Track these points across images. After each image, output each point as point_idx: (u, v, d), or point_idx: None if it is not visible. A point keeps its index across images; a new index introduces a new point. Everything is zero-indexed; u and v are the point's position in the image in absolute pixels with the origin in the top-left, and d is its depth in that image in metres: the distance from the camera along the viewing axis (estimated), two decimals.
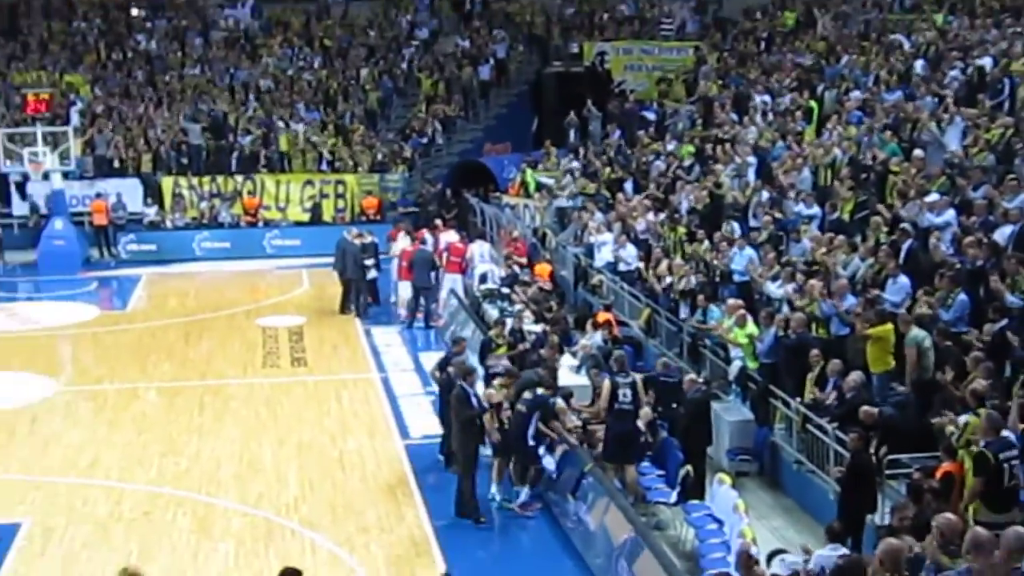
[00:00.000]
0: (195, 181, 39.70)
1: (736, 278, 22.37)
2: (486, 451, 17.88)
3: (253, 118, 42.39)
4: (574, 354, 21.51)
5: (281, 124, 41.94)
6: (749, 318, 19.76)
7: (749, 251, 22.43)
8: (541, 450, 17.49)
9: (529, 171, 36.43)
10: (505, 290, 26.61)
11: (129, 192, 39.26)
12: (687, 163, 30.65)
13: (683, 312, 22.76)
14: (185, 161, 40.53)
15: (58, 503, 18.02)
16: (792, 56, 36.39)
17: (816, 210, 23.01)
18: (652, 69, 43.52)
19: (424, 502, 17.87)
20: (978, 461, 12.65)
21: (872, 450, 15.15)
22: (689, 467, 16.61)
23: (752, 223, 24.44)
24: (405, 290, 28.80)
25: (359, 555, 16.12)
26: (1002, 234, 18.07)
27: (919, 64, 28.76)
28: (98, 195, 38.41)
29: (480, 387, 18.52)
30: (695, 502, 16.33)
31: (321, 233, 36.43)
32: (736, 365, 19.88)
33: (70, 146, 37.34)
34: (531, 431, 17.20)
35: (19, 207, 39.32)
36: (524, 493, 17.47)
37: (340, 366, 25.69)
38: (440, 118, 43.34)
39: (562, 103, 41.65)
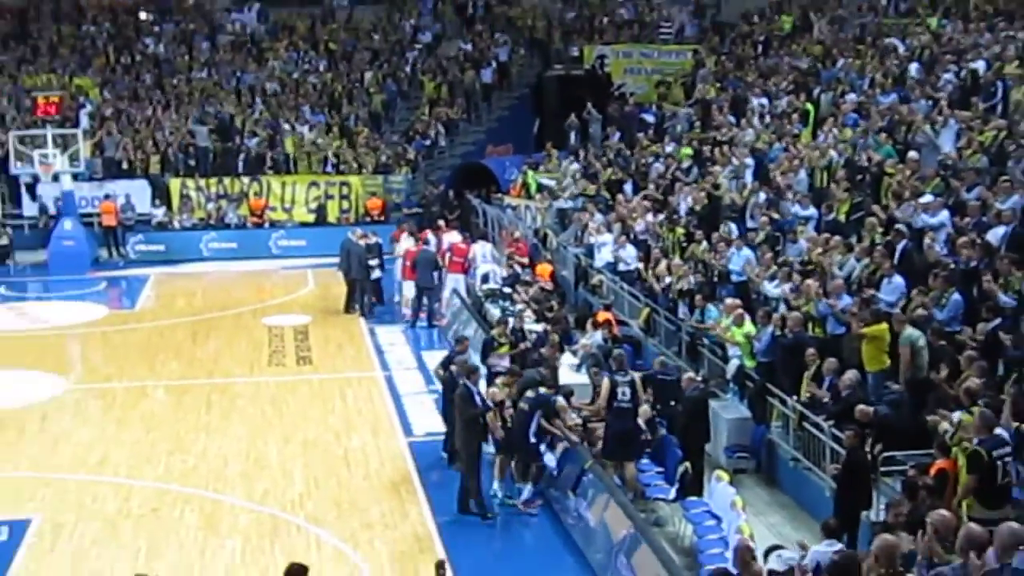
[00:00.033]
0: (202, 183, 39.71)
1: (734, 278, 22.36)
2: (488, 448, 17.88)
3: (259, 121, 42.41)
4: (574, 353, 21.54)
5: (287, 126, 41.98)
6: (747, 317, 19.76)
7: (746, 251, 22.43)
8: (542, 447, 17.50)
9: (530, 173, 36.44)
10: (507, 290, 26.64)
11: (137, 193, 39.24)
12: (685, 165, 30.63)
13: (682, 311, 22.76)
14: (192, 163, 40.51)
15: (68, 500, 18.02)
16: (789, 60, 36.34)
17: (812, 211, 23.01)
18: (651, 72, 43.52)
19: (427, 499, 17.86)
20: (972, 459, 12.64)
21: (867, 447, 15.14)
22: (688, 464, 16.60)
23: (749, 224, 24.44)
24: (409, 290, 28.81)
25: (363, 551, 16.11)
26: (995, 235, 18.05)
27: (913, 67, 28.74)
28: (107, 196, 38.42)
29: (483, 385, 18.51)
30: (693, 499, 16.33)
31: (326, 234, 36.50)
32: (734, 364, 19.87)
33: (79, 148, 37.37)
34: (533, 429, 17.20)
35: (29, 208, 39.32)
36: (527, 490, 17.47)
37: (345, 365, 25.69)
38: (443, 120, 43.37)
39: (563, 106, 41.63)
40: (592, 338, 21.62)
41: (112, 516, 17.40)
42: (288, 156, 40.89)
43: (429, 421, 21.27)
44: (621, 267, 26.42)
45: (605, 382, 17.75)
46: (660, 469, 17.31)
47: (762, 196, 24.95)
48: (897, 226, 19.66)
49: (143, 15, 49.54)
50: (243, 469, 19.28)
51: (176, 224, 38.88)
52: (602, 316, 22.56)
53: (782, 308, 19.65)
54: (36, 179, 38.23)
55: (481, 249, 29.59)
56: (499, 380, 18.60)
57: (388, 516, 17.28)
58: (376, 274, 29.81)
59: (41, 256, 36.88)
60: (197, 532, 16.70)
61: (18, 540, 16.44)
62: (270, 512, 17.45)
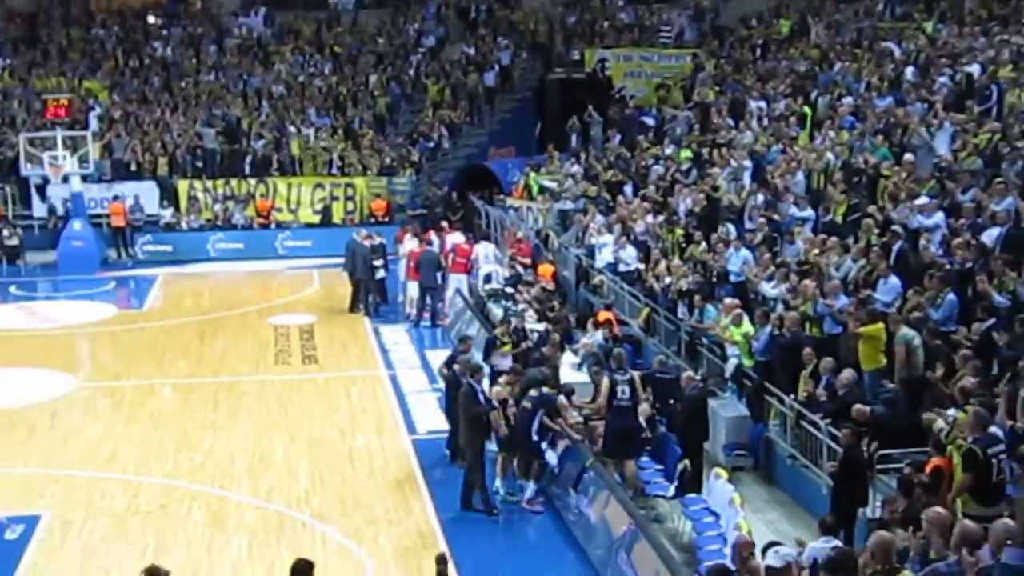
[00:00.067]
0: (210, 184, 39.73)
1: (732, 278, 22.36)
2: (491, 446, 17.87)
3: (266, 123, 42.43)
4: (576, 352, 21.55)
5: (293, 129, 41.98)
6: (745, 317, 19.77)
7: (745, 252, 22.43)
8: (544, 445, 17.50)
9: (532, 175, 36.44)
10: (509, 290, 26.64)
11: (146, 195, 39.27)
12: (685, 167, 30.63)
13: (681, 311, 22.76)
14: (200, 165, 40.55)
15: (77, 496, 18.03)
16: (787, 63, 36.34)
17: (809, 212, 23.00)
18: (651, 76, 43.51)
19: (431, 496, 17.85)
20: (967, 457, 12.64)
21: (864, 445, 15.14)
22: (687, 462, 16.60)
23: (748, 225, 24.43)
24: (413, 290, 28.80)
25: (368, 547, 16.11)
26: (990, 236, 18.04)
27: (909, 71, 28.73)
28: (116, 197, 38.45)
29: (486, 384, 18.50)
30: (692, 496, 16.32)
31: (331, 234, 36.49)
32: (732, 363, 19.87)
33: (89, 150, 37.39)
34: (535, 427, 17.19)
35: (39, 209, 39.35)
36: (530, 489, 17.45)
37: (349, 363, 25.69)
38: (446, 123, 43.38)
39: (564, 109, 41.70)
40: (593, 337, 21.62)
41: (120, 512, 17.41)
42: (294, 158, 40.89)
43: (432, 419, 21.28)
44: (621, 267, 26.42)
45: (605, 381, 17.75)
46: (660, 467, 17.31)
47: (760, 198, 24.95)
48: (893, 227, 19.66)
49: (151, 19, 49.57)
50: (249, 466, 19.28)
51: (184, 225, 38.91)
52: (603, 316, 22.56)
53: (780, 308, 19.65)
54: (46, 180, 38.24)
55: (484, 250, 29.61)
56: (502, 379, 18.61)
57: (392, 513, 17.27)
58: (380, 274, 29.81)
59: (51, 256, 36.88)
60: (204, 528, 16.71)
61: (28, 536, 16.44)
62: (276, 509, 17.45)
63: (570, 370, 20.62)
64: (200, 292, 33.46)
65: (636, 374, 17.93)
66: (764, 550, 12.05)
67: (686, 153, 31.67)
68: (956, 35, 30.63)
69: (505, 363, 20.37)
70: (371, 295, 29.74)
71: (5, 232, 37.18)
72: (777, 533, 15.36)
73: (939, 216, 19.39)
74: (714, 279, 22.96)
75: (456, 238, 30.24)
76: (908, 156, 22.61)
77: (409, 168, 41.27)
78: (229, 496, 18.02)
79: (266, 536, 16.45)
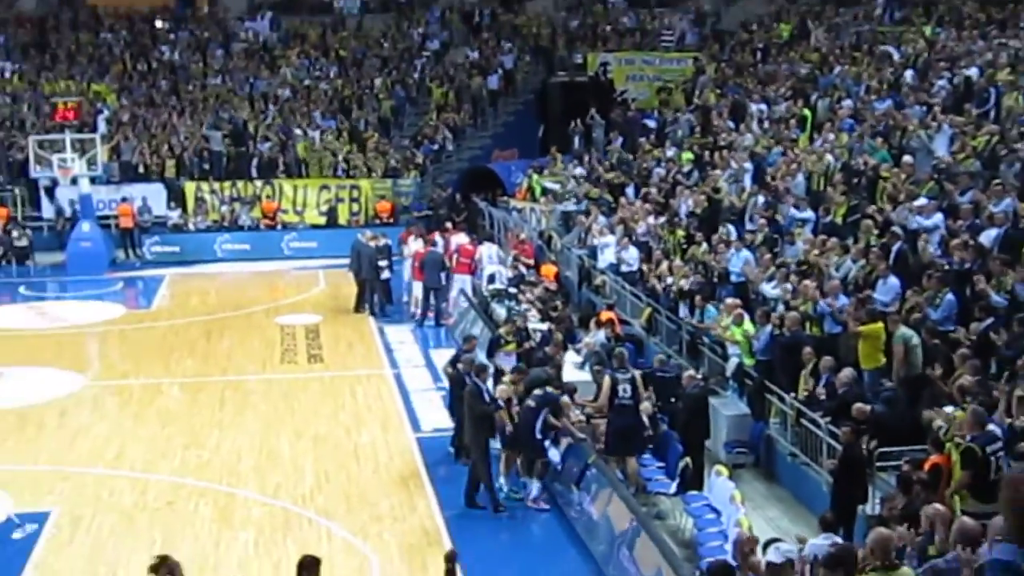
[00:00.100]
0: (216, 186, 39.73)
1: (733, 279, 22.35)
2: (495, 444, 17.87)
3: (272, 126, 42.44)
4: (578, 351, 21.55)
5: (298, 131, 41.99)
6: (746, 317, 19.76)
7: (745, 253, 22.43)
8: (546, 443, 17.49)
9: (535, 176, 36.44)
10: (512, 290, 26.62)
11: (153, 196, 39.30)
12: (686, 169, 30.62)
13: (683, 311, 22.76)
14: (207, 167, 40.54)
15: (85, 493, 18.04)
16: (787, 66, 36.35)
17: (810, 214, 22.99)
18: (653, 79, 43.51)
19: (435, 493, 17.86)
20: (966, 455, 12.65)
21: (863, 443, 15.14)
22: (688, 459, 16.61)
23: (748, 226, 24.43)
24: (418, 290, 28.82)
25: (373, 543, 16.12)
26: (988, 237, 18.04)
27: (908, 74, 28.75)
28: (124, 199, 38.47)
29: (491, 383, 18.50)
30: (694, 493, 16.33)
31: (337, 235, 36.47)
32: (733, 362, 19.87)
33: (97, 152, 37.40)
34: (539, 425, 17.19)
35: (48, 211, 39.36)
36: (535, 488, 17.44)
37: (355, 362, 25.69)
38: (450, 126, 43.38)
39: (567, 111, 41.67)
40: (595, 337, 21.62)
41: (128, 509, 17.42)
42: (300, 160, 40.90)
43: (437, 417, 21.27)
44: (623, 268, 26.42)
45: (606, 380, 17.76)
46: (661, 464, 17.32)
47: (761, 199, 24.94)
48: (892, 228, 19.66)
49: (159, 23, 49.61)
50: (256, 463, 19.29)
51: (191, 226, 38.91)
52: (605, 315, 22.55)
53: (780, 308, 19.64)
54: (55, 182, 38.25)
55: (487, 250, 29.60)
56: (506, 378, 18.58)
57: (397, 509, 17.28)
58: (386, 275, 29.82)
59: (60, 257, 36.91)
60: (211, 525, 16.72)
61: (37, 532, 16.45)
62: (282, 505, 17.47)
63: (573, 369, 20.63)
64: (207, 292, 33.46)
65: (637, 373, 17.95)
66: (765, 547, 12.07)
67: (687, 155, 31.67)
68: (954, 39, 30.66)
69: (509, 362, 20.36)
70: (376, 295, 29.75)
71: (15, 233, 37.21)
72: (777, 530, 15.36)
73: (938, 217, 19.38)
74: (715, 279, 22.96)
75: (460, 239, 30.23)
76: (907, 158, 22.62)
77: (414, 170, 41.28)
78: (236, 493, 18.03)
79: (272, 532, 16.46)
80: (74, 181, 37.25)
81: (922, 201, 19.98)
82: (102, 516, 17.08)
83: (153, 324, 29.49)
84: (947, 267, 17.75)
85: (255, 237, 38.60)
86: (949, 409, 14.30)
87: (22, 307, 32.00)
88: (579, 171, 35.32)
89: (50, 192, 39.02)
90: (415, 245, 29.73)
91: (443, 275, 28.47)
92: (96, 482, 18.50)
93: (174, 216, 39.04)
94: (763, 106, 32.59)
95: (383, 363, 25.53)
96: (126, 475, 18.82)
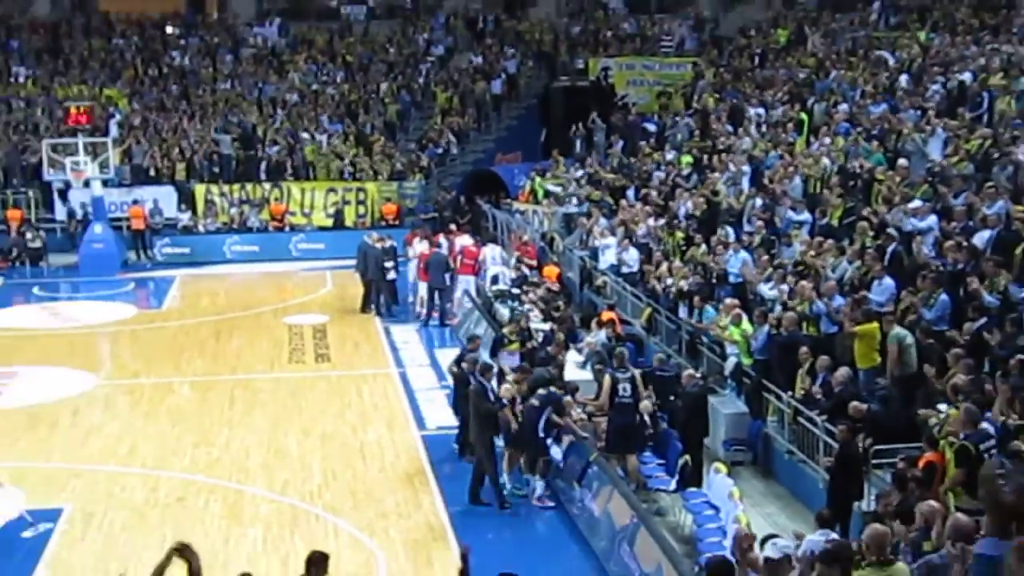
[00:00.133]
0: (226, 188, 39.76)
1: (731, 279, 22.34)
2: (498, 442, 17.86)
3: (280, 130, 42.45)
4: (580, 351, 21.55)
5: (306, 135, 42.01)
6: (744, 317, 19.76)
7: (743, 254, 22.42)
8: (549, 441, 17.49)
9: (538, 179, 36.43)
10: (515, 290, 26.62)
11: (164, 199, 39.34)
12: (685, 172, 30.60)
13: (682, 311, 22.75)
14: (216, 170, 40.59)
15: (98, 490, 18.06)
16: (784, 71, 36.31)
17: (807, 216, 22.96)
18: (653, 84, 43.56)
19: (440, 490, 17.86)
20: (960, 453, 12.63)
21: (859, 441, 15.13)
22: (687, 457, 16.59)
23: (746, 228, 24.41)
24: (424, 291, 28.81)
25: (379, 539, 16.12)
26: (981, 238, 18.02)
27: (903, 79, 28.71)
28: (135, 201, 38.48)
29: (494, 383, 18.49)
30: (693, 490, 16.32)
31: (343, 237, 36.51)
32: (731, 361, 19.86)
33: (109, 156, 37.42)
34: (541, 424, 17.19)
35: (62, 213, 39.40)
36: (540, 487, 17.42)
37: (361, 362, 25.69)
38: (455, 129, 43.37)
39: (569, 115, 41.67)
40: (597, 336, 21.61)
41: (140, 505, 17.43)
42: (307, 163, 40.90)
43: (441, 415, 21.27)
44: (624, 269, 26.41)
45: (606, 379, 17.76)
46: (661, 461, 17.31)
47: (758, 201, 24.93)
48: (887, 230, 19.64)
49: (170, 29, 49.63)
50: (264, 461, 19.30)
51: (201, 228, 38.94)
52: (606, 315, 22.55)
53: (778, 308, 19.62)
54: (68, 185, 38.30)
55: (491, 252, 29.59)
56: (510, 377, 18.55)
57: (402, 506, 17.29)
58: (391, 275, 29.81)
59: (73, 258, 36.95)
60: (221, 521, 16.72)
61: (51, 528, 16.46)
62: (290, 502, 17.47)
63: (574, 368, 20.63)
64: (217, 293, 33.47)
65: (637, 372, 17.94)
66: (762, 542, 12.06)
67: (687, 158, 31.66)
68: (948, 44, 30.61)
69: (512, 361, 20.36)
70: (382, 296, 29.75)
71: (28, 235, 37.28)
72: (775, 526, 15.34)
73: (932, 219, 19.36)
74: (714, 280, 22.94)
75: (464, 241, 30.21)
76: (902, 161, 22.60)
77: (419, 173, 41.28)
78: (245, 490, 18.04)
79: (281, 528, 16.47)
80: (87, 184, 37.29)
81: (916, 203, 19.96)
82: (114, 512, 17.10)
83: (164, 324, 29.51)
84: (941, 268, 17.74)
85: (264, 239, 38.61)
86: (943, 407, 14.30)
87: (36, 307, 32.02)
88: (581, 174, 35.32)
89: (63, 195, 39.06)
90: (420, 246, 29.72)
91: (447, 276, 28.48)
92: (108, 479, 18.52)
93: (184, 218, 39.08)
94: (761, 110, 32.58)
95: (389, 362, 25.53)
96: (137, 472, 18.84)
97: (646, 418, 17.47)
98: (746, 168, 27.59)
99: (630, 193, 31.39)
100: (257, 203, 39.44)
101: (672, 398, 18.38)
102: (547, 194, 35.28)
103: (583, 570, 15.36)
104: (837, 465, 14.78)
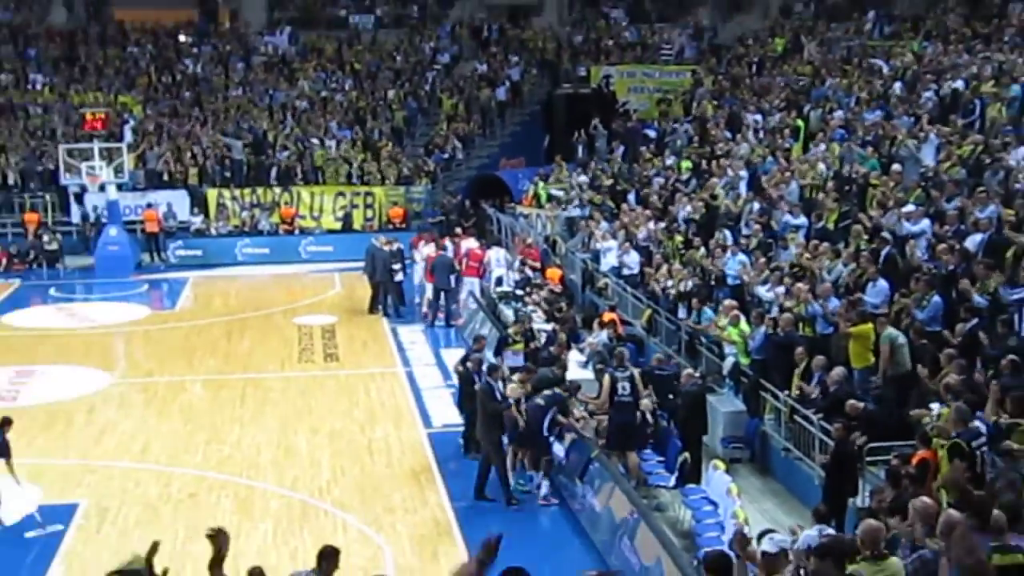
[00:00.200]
0: (237, 192, 39.76)
1: (729, 281, 22.34)
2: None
3: (290, 135, 42.45)
4: (581, 350, 21.54)
5: (315, 141, 42.02)
6: (742, 318, 19.75)
7: (741, 257, 22.41)
8: (551, 439, 17.48)
9: (541, 184, 36.44)
10: (519, 292, 26.63)
11: (177, 202, 39.37)
12: (685, 177, 30.60)
13: (681, 312, 22.74)
14: (228, 174, 40.61)
15: (112, 485, 18.06)
16: (781, 79, 36.30)
17: (803, 219, 22.96)
18: (653, 91, 43.56)
19: (445, 486, 17.85)
20: (953, 450, 12.61)
21: (854, 439, 15.12)
22: (687, 454, 16.57)
23: (744, 231, 24.38)
24: (431, 292, 28.81)
25: (386, 534, 16.12)
26: (972, 241, 18.02)
27: (897, 86, 28.71)
28: (149, 205, 38.47)
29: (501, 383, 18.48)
30: (692, 486, 16.31)
31: (352, 240, 36.49)
32: (729, 361, 19.85)
33: (124, 160, 37.47)
34: (546, 423, 17.18)
35: (78, 216, 39.38)
36: (544, 486, 17.40)
37: (369, 361, 25.68)
38: (460, 135, 43.40)
39: (571, 122, 41.66)
40: (598, 337, 21.61)
41: (153, 501, 17.43)
42: (317, 168, 40.92)
43: (447, 414, 21.26)
44: (625, 271, 26.40)
45: (606, 378, 17.73)
46: (661, 458, 17.30)
47: (756, 205, 24.91)
48: (882, 233, 19.65)
49: (183, 38, 49.63)
50: (274, 458, 19.30)
51: (213, 231, 38.95)
52: (607, 316, 22.54)
53: (774, 309, 19.61)
54: (84, 189, 38.31)
55: (495, 254, 29.59)
56: (515, 377, 18.53)
57: (409, 502, 17.28)
58: (399, 277, 29.82)
59: (88, 260, 36.97)
60: (232, 516, 16.69)
61: (67, 523, 16.47)
62: (300, 498, 17.47)
63: (576, 367, 20.63)
64: (228, 294, 33.48)
65: (636, 371, 17.91)
66: (759, 537, 12.04)
67: (686, 163, 31.63)
68: (941, 53, 30.61)
69: (516, 361, 20.35)
70: (390, 297, 29.75)
71: (45, 237, 37.30)
72: (772, 521, 15.32)
73: (925, 223, 19.37)
74: (712, 282, 22.94)
75: (470, 243, 30.22)
76: (896, 166, 22.61)
77: (425, 177, 41.30)
78: (256, 486, 18.04)
79: (290, 523, 16.46)
80: (102, 188, 37.33)
81: (910, 208, 19.95)
82: (128, 508, 17.10)
83: (177, 324, 29.51)
84: (934, 270, 17.73)
85: (274, 241, 38.61)
86: (935, 406, 14.29)
87: (52, 308, 32.04)
88: (583, 179, 35.31)
89: (79, 198, 39.06)
90: (426, 249, 29.73)
91: (453, 278, 28.47)
92: (122, 475, 18.53)
93: (197, 221, 39.10)
94: (758, 117, 32.56)
95: (396, 362, 25.52)
96: (151, 468, 18.84)
97: (647, 416, 17.46)
98: (744, 173, 27.59)
99: (631, 197, 31.39)
100: (268, 207, 39.45)
101: (671, 397, 18.37)
102: (550, 198, 35.29)
103: (585, 564, 15.27)
104: (832, 462, 14.77)
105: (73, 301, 33.49)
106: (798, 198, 24.51)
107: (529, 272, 28.32)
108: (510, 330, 22.15)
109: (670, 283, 23.82)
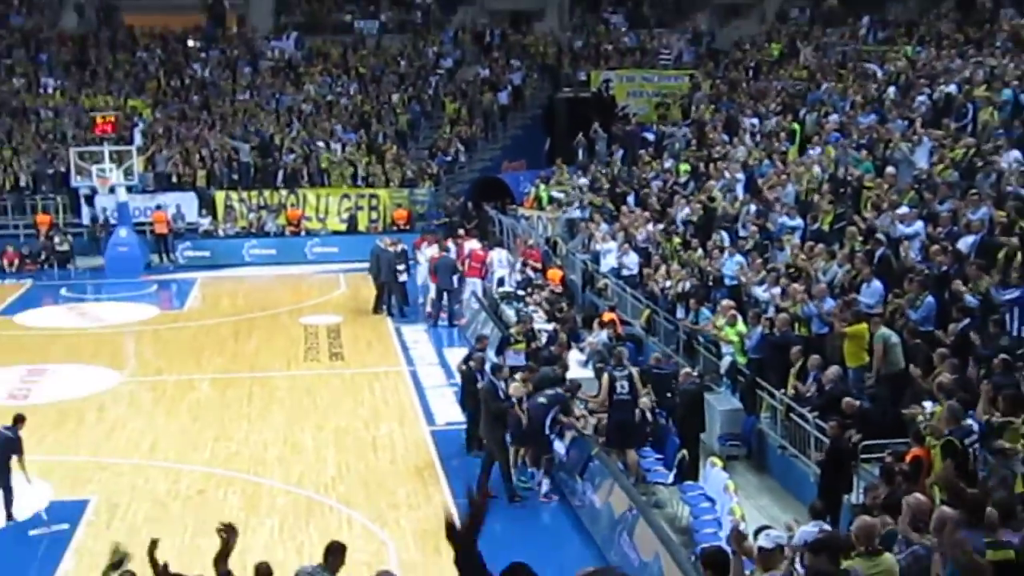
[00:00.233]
0: (244, 195, 39.78)
1: (727, 282, 22.33)
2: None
3: (296, 139, 42.46)
4: (582, 350, 21.54)
5: (321, 144, 42.03)
6: (739, 318, 19.75)
7: (738, 258, 22.40)
8: (552, 437, 17.49)
9: (542, 186, 36.42)
10: (521, 292, 26.64)
11: (186, 204, 39.40)
12: (683, 179, 30.59)
13: (680, 312, 22.72)
14: (236, 177, 40.62)
15: (122, 482, 18.08)
16: (777, 83, 36.30)
17: (799, 221, 22.95)
18: (652, 95, 43.55)
19: (448, 482, 17.85)
20: (946, 448, 12.62)
21: (849, 436, 15.12)
22: (685, 451, 16.59)
23: (741, 233, 24.37)
24: (435, 293, 28.82)
25: (390, 529, 16.14)
26: (965, 243, 18.01)
27: (891, 90, 28.69)
28: (158, 207, 38.53)
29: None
30: (690, 483, 16.31)
31: (357, 241, 36.55)
32: (727, 360, 19.84)
33: (133, 163, 37.51)
34: (548, 422, 17.18)
35: (88, 218, 39.40)
36: (546, 483, 17.41)
37: (373, 360, 25.68)
38: (463, 138, 43.39)
39: (572, 125, 41.61)
40: (598, 336, 21.60)
41: (162, 497, 17.45)
42: (322, 171, 40.94)
43: (450, 412, 21.28)
44: (624, 272, 26.39)
45: (605, 377, 17.73)
46: (659, 456, 17.30)
47: (753, 207, 24.90)
48: (876, 235, 19.64)
49: (191, 43, 49.61)
50: (281, 454, 19.31)
51: (221, 232, 38.97)
52: (607, 316, 22.53)
53: (771, 310, 19.61)
54: (94, 191, 38.33)
55: (497, 255, 29.60)
56: (518, 376, 18.53)
57: (412, 497, 17.29)
58: (403, 278, 29.82)
59: (98, 261, 37.01)
60: (239, 512, 16.67)
61: (78, 518, 16.51)
62: (305, 494, 17.49)
63: (577, 367, 20.61)
64: (236, 294, 33.49)
65: (635, 370, 17.91)
66: (756, 533, 12.05)
67: (684, 166, 31.63)
68: (934, 57, 30.57)
69: (517, 360, 20.36)
70: (394, 297, 29.76)
71: (56, 239, 37.39)
72: (768, 517, 15.32)
73: (918, 225, 19.36)
74: (710, 283, 22.94)
75: (472, 245, 30.23)
76: (890, 169, 22.60)
77: (428, 180, 41.30)
78: (262, 482, 18.06)
79: (296, 519, 16.48)
80: (112, 190, 37.39)
81: (904, 210, 19.95)
82: (137, 504, 17.13)
83: (185, 324, 29.53)
84: (927, 271, 17.71)
85: (280, 243, 38.63)
86: (928, 404, 14.29)
87: (63, 308, 32.07)
88: (583, 181, 35.30)
89: (90, 200, 39.07)
90: (430, 250, 29.75)
91: (455, 278, 28.47)
92: (132, 472, 18.55)
93: (205, 223, 39.12)
94: (755, 120, 32.56)
95: (400, 361, 25.53)
96: (160, 465, 18.87)
97: (646, 414, 17.46)
98: (741, 176, 27.59)
99: (630, 199, 31.37)
100: (274, 209, 39.47)
101: (670, 395, 18.39)
102: (551, 200, 35.28)
103: (585, 559, 15.27)
104: (827, 459, 14.77)
105: (84, 301, 33.54)
106: (794, 200, 24.50)
107: (530, 273, 28.32)
108: (512, 330, 22.17)
109: (668, 284, 23.82)
